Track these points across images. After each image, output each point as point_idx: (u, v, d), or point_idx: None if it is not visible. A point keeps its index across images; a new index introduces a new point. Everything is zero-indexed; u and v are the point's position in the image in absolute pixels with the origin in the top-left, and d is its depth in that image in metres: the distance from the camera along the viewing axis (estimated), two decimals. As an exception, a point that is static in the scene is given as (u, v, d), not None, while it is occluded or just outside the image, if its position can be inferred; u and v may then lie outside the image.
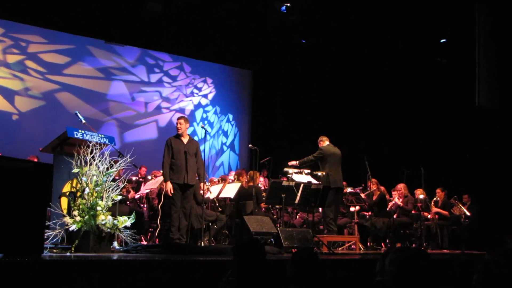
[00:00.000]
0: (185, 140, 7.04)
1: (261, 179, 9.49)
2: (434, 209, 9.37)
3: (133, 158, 5.79)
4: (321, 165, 8.13)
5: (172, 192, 6.80)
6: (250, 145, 8.80)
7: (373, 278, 3.08)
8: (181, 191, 6.90)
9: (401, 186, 9.06)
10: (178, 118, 7.21)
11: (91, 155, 5.41)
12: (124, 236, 5.55)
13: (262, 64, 13.10)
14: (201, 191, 7.07)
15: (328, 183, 7.85)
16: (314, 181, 7.87)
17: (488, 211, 9.67)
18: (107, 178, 5.47)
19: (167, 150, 6.92)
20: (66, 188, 5.50)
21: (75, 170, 5.36)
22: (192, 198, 7.06)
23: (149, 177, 9.16)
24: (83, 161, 5.36)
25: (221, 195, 8.22)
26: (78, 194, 5.35)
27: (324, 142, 8.26)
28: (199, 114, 13.13)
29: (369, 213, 9.29)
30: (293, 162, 8.14)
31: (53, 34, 11.05)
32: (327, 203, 7.79)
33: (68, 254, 4.97)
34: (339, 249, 8.60)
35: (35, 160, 7.92)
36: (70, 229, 5.20)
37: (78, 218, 5.21)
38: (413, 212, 9.08)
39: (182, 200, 6.90)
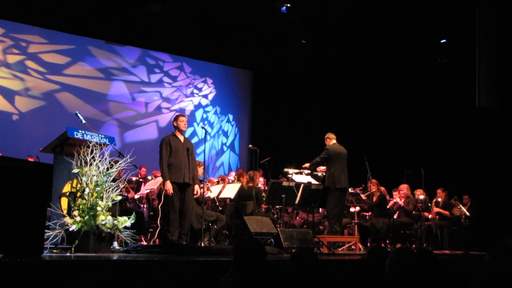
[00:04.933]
0: (182, 138, 6.91)
1: (261, 179, 9.48)
2: (435, 209, 9.37)
3: (133, 158, 5.78)
4: (327, 164, 8.01)
5: (171, 191, 6.71)
6: (250, 146, 8.78)
7: (373, 278, 3.08)
8: (180, 191, 6.73)
9: (404, 186, 9.06)
10: (181, 115, 7.00)
11: (91, 155, 5.41)
12: (124, 236, 5.54)
13: (262, 64, 13.09)
14: (194, 193, 6.94)
15: (333, 183, 7.78)
16: (314, 181, 7.85)
17: (488, 211, 9.66)
18: (107, 178, 5.47)
19: (165, 149, 6.67)
20: (66, 188, 5.50)
21: (75, 170, 5.36)
22: (193, 198, 6.99)
23: (149, 177, 9.16)
24: (83, 161, 5.36)
25: (221, 195, 8.20)
26: (78, 194, 5.35)
27: (331, 141, 8.13)
28: (199, 114, 13.13)
29: (369, 213, 9.28)
30: (306, 165, 8.10)
31: (53, 34, 11.05)
32: (332, 204, 7.74)
33: (68, 254, 4.96)
34: (339, 249, 8.60)
35: (32, 160, 7.92)
36: (70, 229, 5.19)
37: (78, 218, 5.21)
38: (413, 212, 9.08)
39: (181, 200, 6.82)
